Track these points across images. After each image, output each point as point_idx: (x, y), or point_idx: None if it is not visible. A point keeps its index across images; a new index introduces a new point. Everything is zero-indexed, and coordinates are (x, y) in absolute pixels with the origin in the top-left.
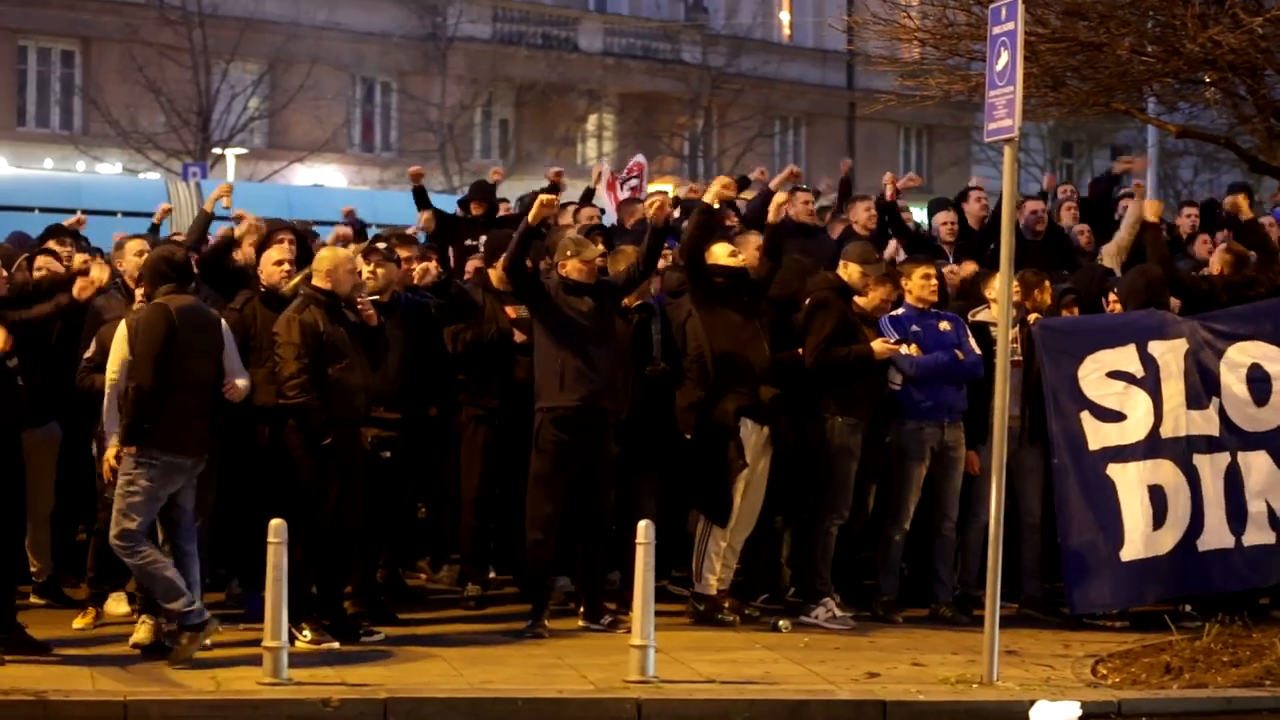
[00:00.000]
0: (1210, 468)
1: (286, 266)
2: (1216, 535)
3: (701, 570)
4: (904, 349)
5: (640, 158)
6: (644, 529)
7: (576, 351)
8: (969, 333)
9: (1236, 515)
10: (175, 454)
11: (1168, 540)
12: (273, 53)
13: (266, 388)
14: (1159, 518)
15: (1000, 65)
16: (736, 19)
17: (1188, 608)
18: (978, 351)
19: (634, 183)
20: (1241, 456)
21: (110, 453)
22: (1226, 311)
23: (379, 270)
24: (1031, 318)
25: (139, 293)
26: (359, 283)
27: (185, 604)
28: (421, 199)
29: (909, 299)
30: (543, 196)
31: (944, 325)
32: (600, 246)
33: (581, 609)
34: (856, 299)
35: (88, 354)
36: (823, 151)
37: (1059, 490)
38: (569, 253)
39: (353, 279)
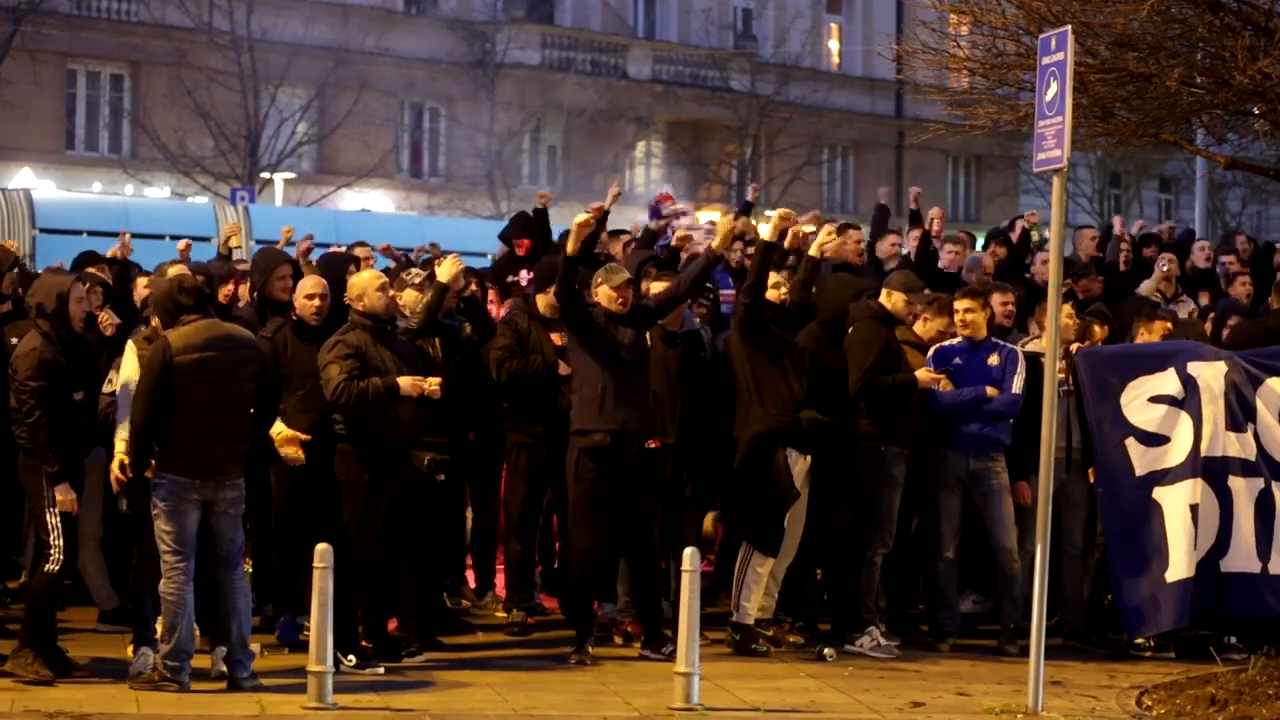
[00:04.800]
0: (1245, 491)
1: (318, 303)
2: (1244, 558)
3: (740, 599)
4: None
5: (667, 187)
6: (689, 556)
7: (614, 380)
8: (1019, 369)
9: (1266, 541)
10: (179, 474)
11: (1197, 558)
12: (321, 78)
13: (298, 416)
14: (1197, 537)
15: (1049, 95)
16: (785, 47)
17: (1232, 639)
18: (1016, 390)
19: (666, 212)
20: (1275, 486)
21: (114, 464)
22: (1267, 349)
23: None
24: (1074, 347)
25: (154, 322)
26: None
27: (178, 657)
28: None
29: (961, 330)
30: (577, 221)
31: (993, 359)
32: (627, 274)
33: (640, 636)
34: (915, 327)
35: (108, 388)
36: (871, 180)
37: (1107, 518)
38: (599, 280)
39: (385, 298)
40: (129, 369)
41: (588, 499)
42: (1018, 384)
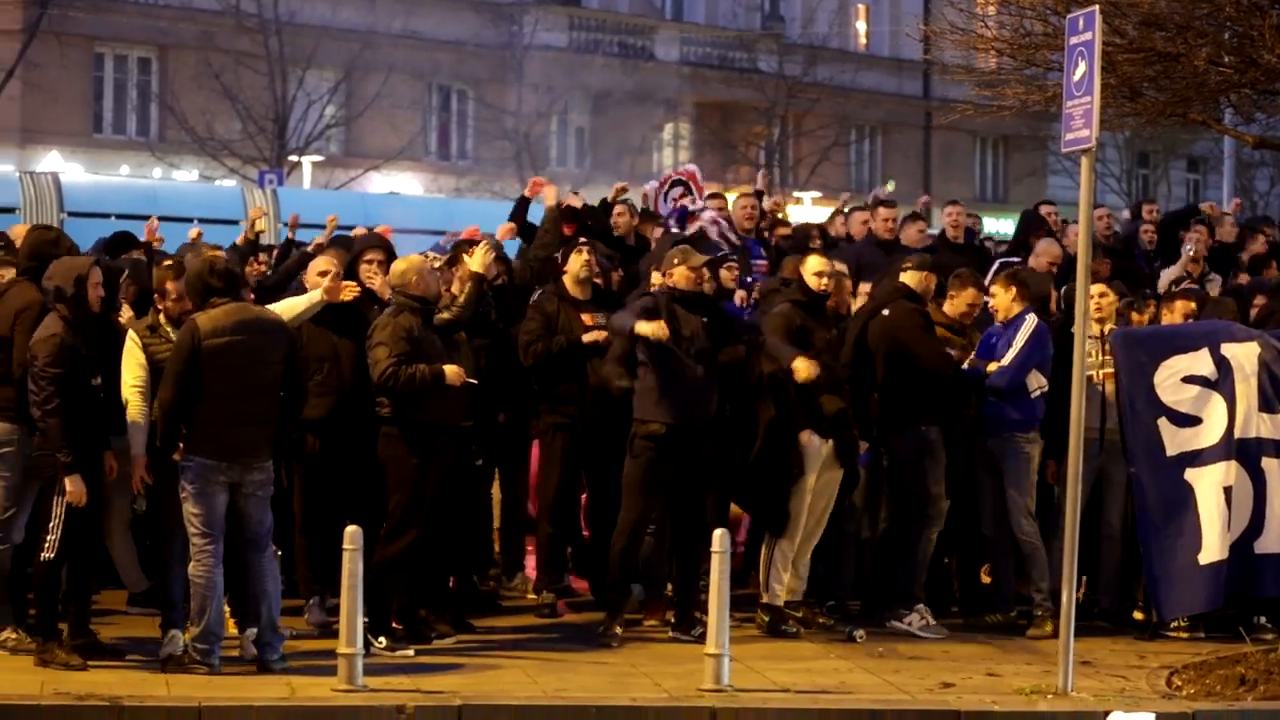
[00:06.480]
0: (1278, 472)
1: (328, 281)
2: (1277, 539)
3: (769, 581)
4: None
5: (692, 166)
6: (719, 538)
7: (673, 372)
8: (1014, 338)
9: None
10: (206, 457)
11: (1230, 540)
12: (349, 60)
13: (316, 400)
14: (1230, 520)
15: (1078, 75)
16: (813, 28)
17: (1262, 619)
18: (1004, 363)
19: (677, 191)
20: None
21: (139, 466)
22: None
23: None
24: (1106, 328)
25: (165, 305)
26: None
27: (207, 639)
28: (520, 211)
29: (996, 318)
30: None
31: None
32: (704, 256)
33: (671, 618)
34: (944, 307)
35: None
36: (899, 161)
37: (1138, 498)
38: (675, 261)
39: (434, 280)
40: (129, 362)
41: (638, 477)
42: (1008, 356)
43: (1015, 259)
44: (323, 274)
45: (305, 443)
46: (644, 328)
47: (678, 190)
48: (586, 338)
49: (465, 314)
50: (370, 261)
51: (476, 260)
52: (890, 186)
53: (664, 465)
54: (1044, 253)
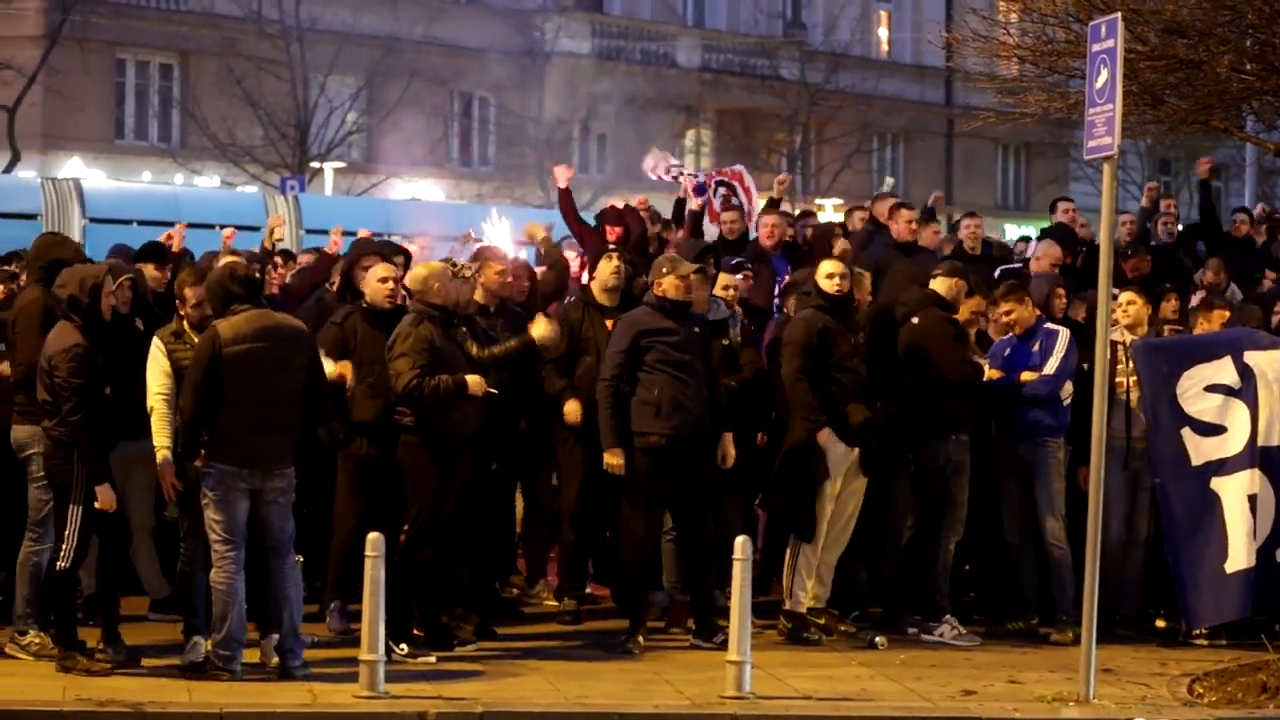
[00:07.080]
0: None
1: (390, 285)
2: None
3: (792, 588)
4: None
5: (740, 167)
6: (741, 545)
7: (671, 384)
8: (1055, 348)
9: None
10: (227, 464)
11: (1255, 548)
12: (371, 67)
13: (366, 403)
14: (1255, 527)
15: (1100, 83)
16: (835, 35)
17: None
18: (1048, 371)
19: (723, 191)
20: None
21: (166, 473)
22: None
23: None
24: (1128, 338)
25: (186, 311)
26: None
27: (229, 645)
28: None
29: (1009, 331)
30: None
31: (1036, 345)
32: (692, 265)
33: (691, 625)
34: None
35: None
36: (921, 168)
37: (1165, 509)
38: (664, 270)
39: (455, 288)
40: (154, 370)
41: (640, 491)
42: (1050, 365)
43: (1016, 265)
44: (383, 280)
45: (353, 442)
46: (610, 461)
47: (723, 191)
48: (540, 329)
49: (496, 363)
50: (367, 268)
51: (538, 329)
52: (889, 183)
53: (664, 477)
54: (1044, 255)
